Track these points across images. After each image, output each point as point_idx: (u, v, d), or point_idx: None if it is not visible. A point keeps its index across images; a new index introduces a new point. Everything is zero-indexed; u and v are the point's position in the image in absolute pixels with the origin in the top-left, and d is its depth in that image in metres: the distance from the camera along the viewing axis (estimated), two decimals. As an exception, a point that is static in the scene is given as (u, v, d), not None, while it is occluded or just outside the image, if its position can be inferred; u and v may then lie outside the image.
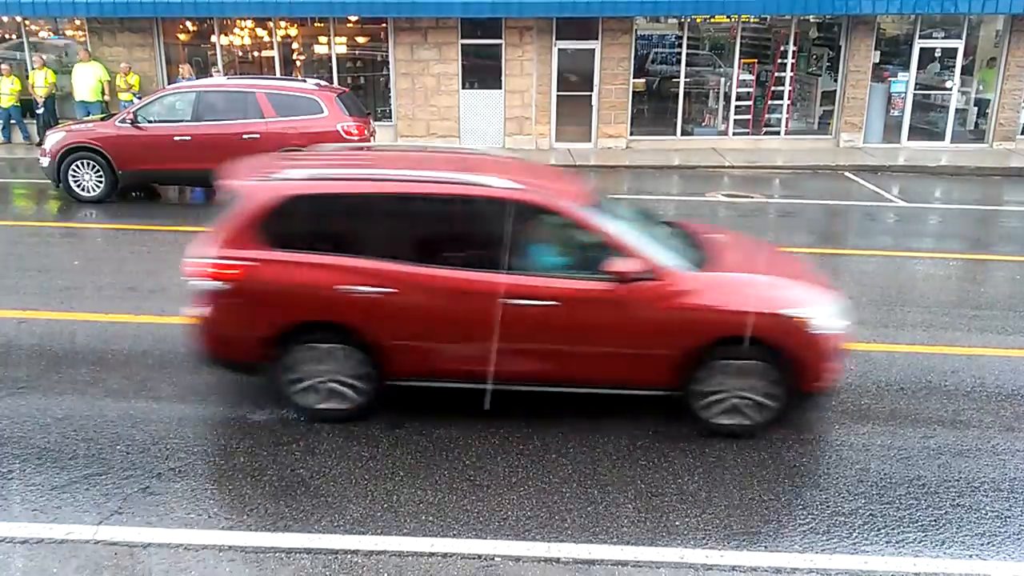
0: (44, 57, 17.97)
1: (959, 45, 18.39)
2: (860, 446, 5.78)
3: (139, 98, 16.01)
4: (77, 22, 18.33)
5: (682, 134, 18.97)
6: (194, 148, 12.62)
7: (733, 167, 17.00)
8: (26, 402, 6.19)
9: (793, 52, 18.58)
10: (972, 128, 19.23)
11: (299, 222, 5.79)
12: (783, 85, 18.69)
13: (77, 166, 12.77)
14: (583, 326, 5.63)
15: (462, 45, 18.07)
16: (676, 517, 4.93)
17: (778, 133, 18.98)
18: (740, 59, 18.58)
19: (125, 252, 10.48)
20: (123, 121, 12.80)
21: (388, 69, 18.46)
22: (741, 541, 4.72)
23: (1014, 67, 18.26)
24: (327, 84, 14.74)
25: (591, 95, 18.48)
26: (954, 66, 18.57)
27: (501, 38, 18.01)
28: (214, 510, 4.90)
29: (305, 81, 14.23)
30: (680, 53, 18.64)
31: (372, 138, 13.70)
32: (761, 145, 18.67)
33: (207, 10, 17.37)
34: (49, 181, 13.23)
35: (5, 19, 18.37)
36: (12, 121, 18.11)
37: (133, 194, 13.63)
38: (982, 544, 4.75)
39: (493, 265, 5.59)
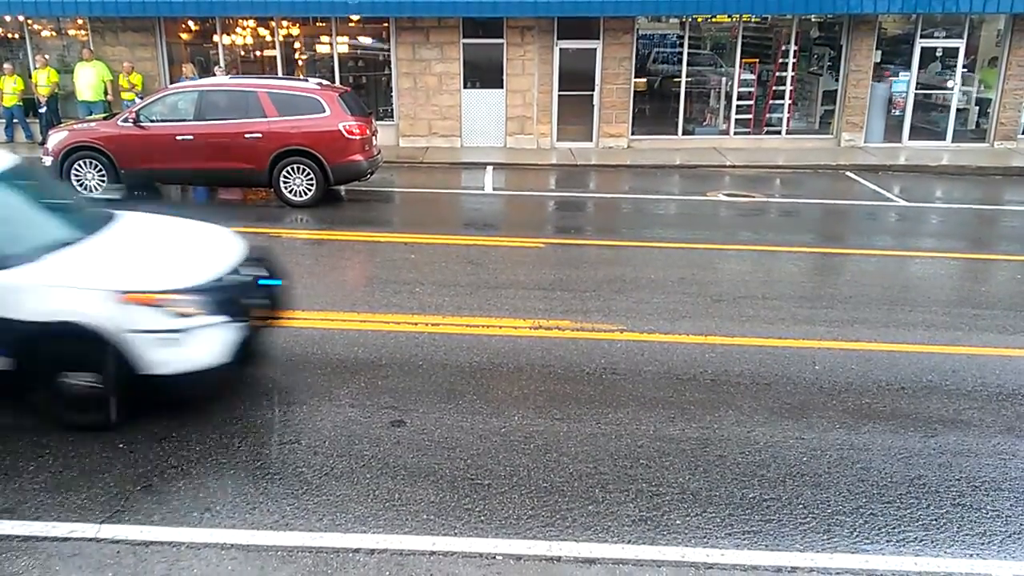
0: (47, 56, 18.00)
1: (960, 45, 18.39)
2: (861, 445, 5.79)
3: (141, 97, 16.04)
4: (80, 21, 18.36)
5: (683, 134, 18.99)
6: (196, 147, 12.65)
7: (734, 166, 17.01)
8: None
9: (794, 52, 18.59)
10: (973, 128, 19.24)
11: None
12: (784, 85, 18.71)
13: (80, 165, 12.80)
14: None
15: (464, 45, 18.10)
16: (677, 516, 4.94)
17: (779, 133, 19.00)
18: (741, 59, 18.60)
19: (127, 251, 10.47)
20: (125, 120, 12.82)
21: (390, 68, 18.48)
22: (742, 540, 4.73)
23: (1015, 66, 18.26)
24: (329, 83, 14.76)
25: (592, 95, 18.49)
26: (955, 66, 18.57)
27: (503, 38, 18.03)
28: (216, 508, 4.90)
29: (307, 80, 14.26)
30: (681, 53, 18.65)
31: (374, 137, 13.72)
32: (762, 144, 18.68)
33: (209, 9, 17.42)
34: (51, 180, 13.25)
35: (8, 18, 18.38)
36: (15, 120, 18.15)
37: (135, 193, 13.64)
38: (983, 543, 4.75)
39: None
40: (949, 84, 18.75)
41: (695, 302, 8.72)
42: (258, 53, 19.04)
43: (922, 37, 18.32)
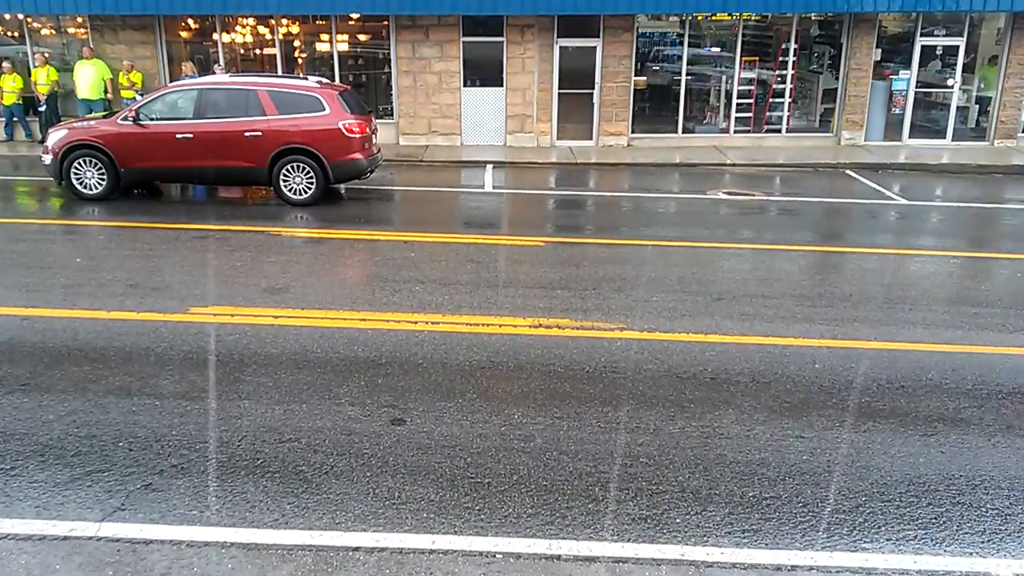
0: (46, 54, 17.99)
1: (960, 43, 18.40)
2: (861, 443, 5.79)
3: (141, 96, 16.03)
4: (79, 19, 18.35)
5: (683, 132, 19.00)
6: (196, 146, 12.65)
7: (734, 165, 17.01)
8: (29, 399, 6.21)
9: (794, 50, 18.59)
10: (973, 126, 19.24)
11: None
12: (784, 83, 18.70)
13: (79, 164, 12.79)
14: None
15: (464, 43, 18.09)
16: (677, 514, 4.94)
17: (779, 131, 19.00)
18: (741, 57, 18.59)
19: (127, 249, 10.50)
20: (125, 119, 12.81)
21: (390, 67, 18.48)
22: (742, 538, 4.73)
23: (1015, 65, 18.27)
24: (329, 82, 14.75)
25: (592, 93, 18.49)
26: (955, 64, 18.58)
27: (503, 36, 18.03)
28: (216, 507, 4.91)
29: (307, 79, 14.25)
30: (682, 51, 18.65)
31: (374, 136, 13.72)
32: (762, 143, 18.68)
33: (209, 7, 17.41)
34: (51, 179, 13.27)
35: (7, 16, 18.37)
36: (14, 119, 18.15)
37: (135, 192, 13.66)
38: (982, 542, 4.76)
39: None
40: (949, 82, 18.75)
41: (695, 301, 8.72)
42: (258, 51, 19.03)
43: (922, 35, 18.32)
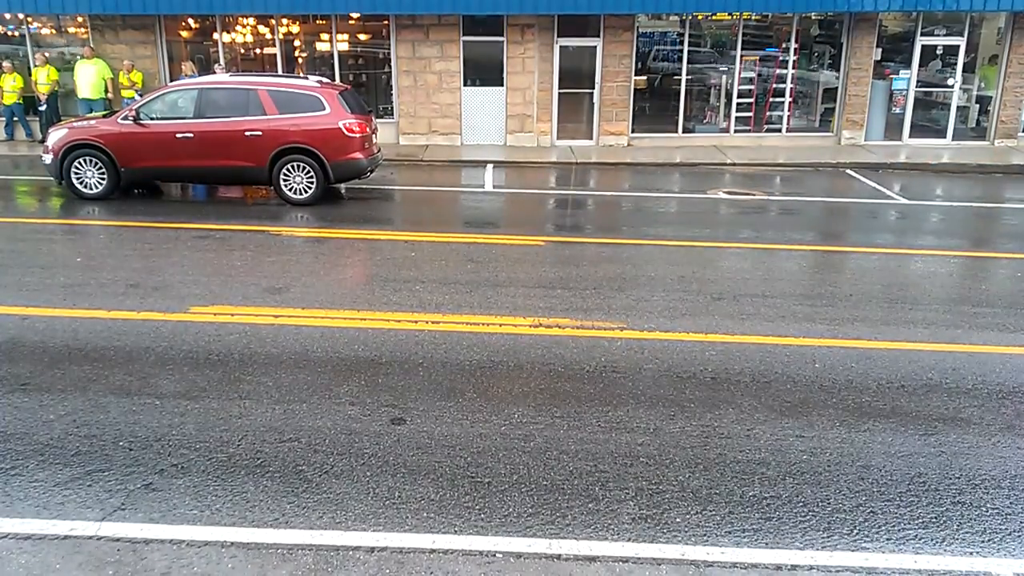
0: (47, 54, 18.00)
1: (961, 42, 18.40)
2: (861, 443, 5.79)
3: (141, 95, 16.03)
4: (80, 19, 18.36)
5: (684, 131, 19.01)
6: (196, 145, 12.65)
7: (735, 164, 17.01)
8: (29, 399, 6.21)
9: (795, 49, 18.58)
10: (974, 126, 19.25)
11: None
12: (785, 82, 18.70)
13: (79, 163, 12.80)
14: None
15: (464, 42, 18.10)
16: (677, 514, 4.94)
17: (780, 130, 19.01)
18: (742, 56, 18.59)
19: (127, 249, 10.50)
20: (125, 118, 12.81)
21: (390, 66, 18.49)
22: (742, 538, 4.73)
23: (1016, 64, 18.27)
24: (329, 81, 14.75)
25: (593, 92, 18.49)
26: (956, 63, 18.59)
27: (503, 35, 18.04)
28: (216, 506, 4.91)
29: (307, 78, 14.25)
30: (682, 51, 18.66)
31: (374, 135, 13.72)
32: (763, 142, 18.69)
33: (209, 7, 17.42)
34: (52, 178, 13.27)
35: (8, 16, 18.37)
36: (15, 118, 18.15)
37: (135, 191, 13.66)
38: (983, 541, 4.76)
39: None
40: (949, 82, 18.76)
41: (695, 300, 8.72)
42: (258, 51, 19.04)
43: (922, 35, 18.32)
